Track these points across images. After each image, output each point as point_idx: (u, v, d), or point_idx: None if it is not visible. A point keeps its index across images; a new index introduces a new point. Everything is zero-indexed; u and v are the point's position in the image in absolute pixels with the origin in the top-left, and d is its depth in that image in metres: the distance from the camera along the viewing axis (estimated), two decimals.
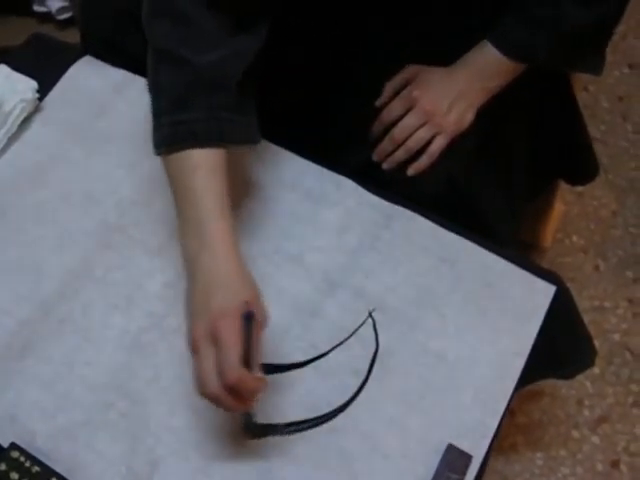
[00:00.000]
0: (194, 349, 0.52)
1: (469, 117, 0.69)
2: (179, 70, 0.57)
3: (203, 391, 0.52)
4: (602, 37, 0.70)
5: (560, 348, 0.69)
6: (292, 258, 0.66)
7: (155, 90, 0.59)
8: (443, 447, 0.57)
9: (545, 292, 0.65)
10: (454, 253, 0.66)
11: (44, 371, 0.61)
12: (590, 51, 0.70)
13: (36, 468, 0.57)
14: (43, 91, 0.78)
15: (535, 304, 0.64)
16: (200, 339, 0.52)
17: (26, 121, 0.76)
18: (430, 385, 0.60)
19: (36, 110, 0.77)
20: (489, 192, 0.71)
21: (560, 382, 1.04)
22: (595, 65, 0.71)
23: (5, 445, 0.58)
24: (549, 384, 1.05)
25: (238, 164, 0.69)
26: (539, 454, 1.00)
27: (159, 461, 0.57)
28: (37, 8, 1.37)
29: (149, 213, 0.69)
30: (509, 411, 0.62)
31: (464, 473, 0.56)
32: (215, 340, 0.51)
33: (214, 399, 0.52)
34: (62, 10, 1.36)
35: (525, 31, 0.66)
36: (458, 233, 0.67)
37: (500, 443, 1.00)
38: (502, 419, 0.59)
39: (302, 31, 0.71)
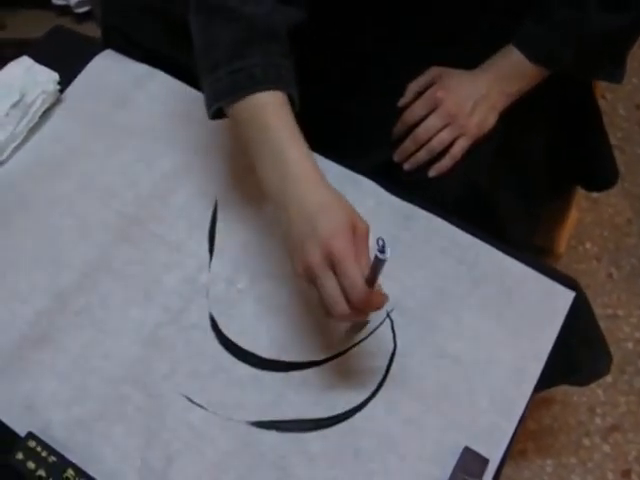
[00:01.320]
0: (311, 277, 0.53)
1: (492, 120, 0.68)
2: (233, 23, 0.58)
3: (334, 313, 0.53)
4: (625, 44, 0.69)
5: (576, 354, 0.68)
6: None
7: (208, 47, 0.60)
8: (459, 450, 0.57)
9: (564, 297, 0.64)
10: (472, 256, 0.66)
11: (61, 362, 0.61)
12: (613, 59, 0.70)
13: (52, 458, 0.57)
14: (64, 83, 0.78)
15: (553, 309, 0.64)
16: (316, 265, 0.52)
17: (47, 113, 0.76)
18: (447, 387, 0.60)
19: (57, 102, 0.77)
20: (508, 195, 0.71)
21: (572, 389, 1.04)
22: (617, 73, 0.71)
23: (22, 434, 0.58)
24: (561, 391, 1.04)
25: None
26: (549, 461, 1.00)
27: (174, 455, 0.57)
28: (56, 1, 1.38)
29: (168, 208, 0.69)
30: None
31: (480, 477, 0.55)
32: (332, 262, 0.52)
33: (344, 318, 0.54)
34: (81, 3, 1.37)
35: (549, 36, 0.66)
36: (477, 236, 0.67)
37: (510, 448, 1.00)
38: (519, 424, 0.59)
39: (323, 34, 0.71)
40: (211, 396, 0.60)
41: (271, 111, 0.57)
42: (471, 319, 0.63)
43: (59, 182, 0.72)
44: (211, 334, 0.63)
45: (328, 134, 0.71)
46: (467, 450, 0.57)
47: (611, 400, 1.05)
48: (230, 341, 0.62)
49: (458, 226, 0.67)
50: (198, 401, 0.59)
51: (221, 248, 0.67)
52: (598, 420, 1.03)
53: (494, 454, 0.57)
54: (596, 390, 1.05)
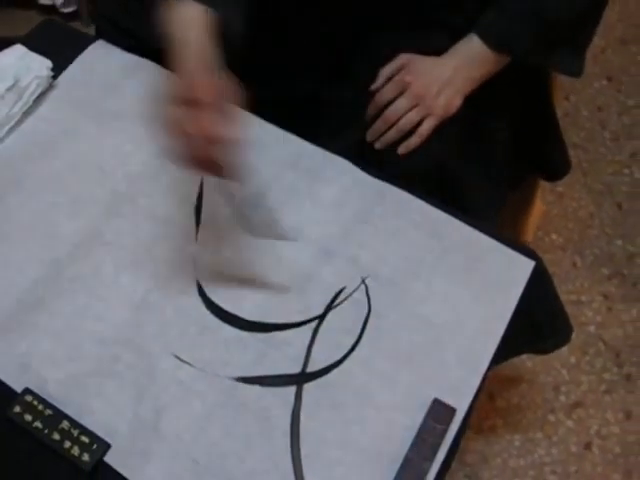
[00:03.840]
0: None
1: (456, 102, 0.74)
2: None
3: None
4: (582, 35, 0.76)
5: (538, 322, 0.74)
6: (292, 229, 0.70)
7: None
8: (429, 401, 0.62)
9: (524, 266, 0.70)
10: (441, 229, 0.71)
11: (56, 324, 0.65)
12: (570, 50, 0.76)
13: (48, 411, 0.61)
14: (57, 72, 0.82)
15: (515, 276, 0.69)
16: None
17: (40, 97, 0.80)
18: (418, 346, 0.65)
19: (50, 87, 0.81)
20: (473, 175, 0.77)
21: (538, 369, 1.10)
22: (574, 67, 0.77)
23: (19, 390, 0.61)
24: (528, 370, 1.10)
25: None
26: (517, 436, 1.06)
27: (164, 408, 0.61)
28: (42, 0, 1.42)
29: (157, 186, 0.74)
30: (488, 396, 0.66)
31: (448, 424, 0.60)
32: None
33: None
34: (66, 3, 1.41)
35: (506, 23, 0.72)
36: (445, 211, 0.72)
37: (480, 425, 1.06)
38: (484, 378, 0.64)
39: (300, 18, 0.76)
40: (198, 355, 0.64)
41: (184, 25, 0.60)
42: (440, 285, 0.68)
43: (52, 162, 0.76)
44: (198, 299, 0.67)
45: (305, 117, 0.76)
46: (436, 401, 0.62)
47: (574, 379, 1.11)
48: (216, 305, 0.66)
49: (428, 202, 0.72)
50: (186, 359, 0.64)
51: (207, 221, 0.71)
52: (562, 398, 1.09)
53: (461, 405, 0.62)
54: (560, 370, 1.11)
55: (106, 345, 0.64)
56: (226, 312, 0.66)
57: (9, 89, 0.76)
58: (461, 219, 0.72)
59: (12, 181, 0.74)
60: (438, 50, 0.75)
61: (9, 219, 0.71)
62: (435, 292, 0.68)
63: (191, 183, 0.73)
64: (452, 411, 0.61)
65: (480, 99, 0.75)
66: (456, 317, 0.67)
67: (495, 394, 1.08)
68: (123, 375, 0.63)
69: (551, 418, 1.07)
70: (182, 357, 0.64)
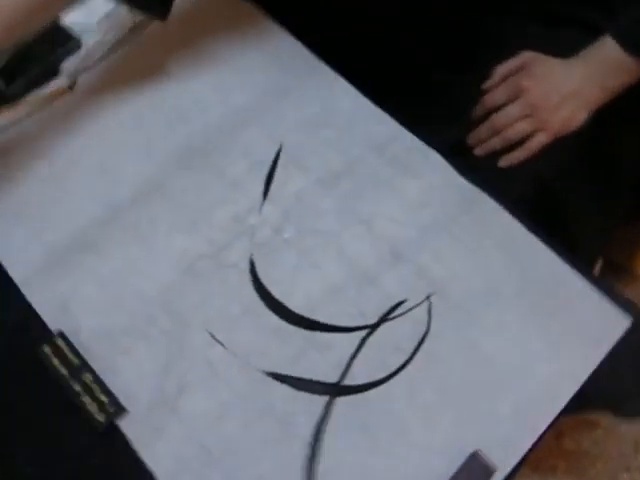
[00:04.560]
0: None
1: (580, 118, 0.63)
2: None
3: None
4: None
5: (625, 385, 0.63)
6: (362, 221, 0.63)
7: None
8: (469, 451, 0.54)
9: (618, 323, 0.59)
10: (529, 257, 0.62)
11: (102, 270, 0.63)
12: None
13: (76, 361, 0.59)
14: None
15: (605, 332, 0.59)
16: None
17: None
18: (472, 384, 0.57)
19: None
20: (583, 203, 0.65)
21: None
22: None
23: (53, 329, 0.60)
24: (607, 417, 0.98)
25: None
26: None
27: (187, 386, 0.58)
28: None
29: (233, 143, 0.68)
30: (556, 434, 0.58)
31: None
32: None
33: None
34: None
35: None
36: (539, 236, 0.62)
37: (539, 462, 0.96)
38: (538, 441, 0.55)
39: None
40: (234, 337, 0.60)
41: None
42: (514, 321, 0.59)
43: (131, 97, 0.72)
44: (247, 277, 0.62)
45: (409, 101, 0.68)
46: (476, 454, 0.54)
47: None
48: (264, 288, 0.61)
49: (521, 221, 0.62)
50: (220, 339, 0.60)
51: (275, 194, 0.65)
52: None
53: (503, 465, 0.54)
54: None
55: (146, 303, 0.61)
56: (273, 298, 0.61)
57: (108, 15, 0.73)
58: (554, 249, 0.62)
59: (88, 111, 0.71)
60: (567, 50, 0.63)
61: (79, 150, 0.69)
62: (506, 328, 0.59)
63: (267, 149, 0.68)
64: (490, 471, 0.53)
65: (608, 113, 0.63)
66: (524, 362, 0.58)
67: (565, 433, 0.97)
68: (155, 340, 0.60)
69: (624, 476, 0.95)
70: (216, 336, 0.60)
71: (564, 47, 0.64)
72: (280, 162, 0.67)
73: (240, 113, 0.69)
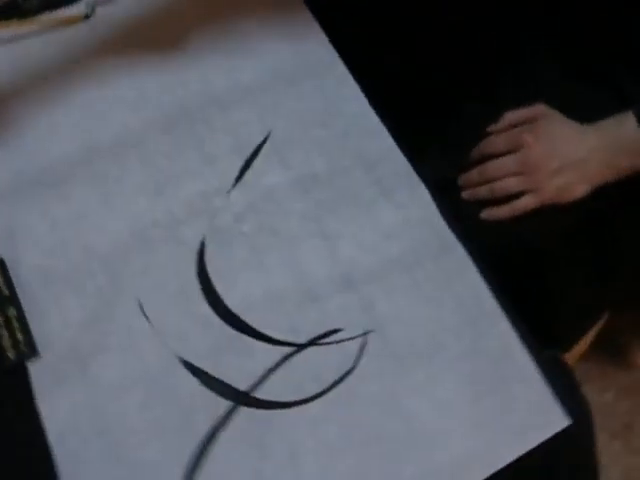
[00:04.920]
0: None
1: (578, 192, 0.57)
2: None
3: None
4: None
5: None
6: (325, 236, 0.60)
7: None
8: None
9: (556, 420, 0.54)
10: (484, 323, 0.57)
11: (56, 209, 0.62)
12: None
13: (6, 292, 0.59)
14: None
15: (538, 426, 0.54)
16: None
17: None
18: (380, 437, 0.54)
19: None
20: (566, 279, 0.60)
21: None
22: None
23: None
24: None
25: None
26: None
27: (102, 349, 0.56)
28: None
29: (225, 119, 0.65)
30: None
31: None
32: None
33: None
34: None
35: None
36: (501, 304, 0.57)
37: None
38: None
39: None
40: (161, 315, 0.58)
41: None
42: (445, 384, 0.55)
43: (141, 44, 0.69)
44: (194, 258, 0.60)
45: (418, 120, 0.63)
46: None
47: None
48: (206, 274, 0.59)
49: (488, 283, 0.58)
50: (147, 312, 0.58)
51: (248, 182, 0.63)
52: None
53: None
54: None
55: (89, 255, 0.60)
56: (211, 287, 0.59)
57: None
58: (514, 324, 0.57)
59: (96, 47, 0.69)
60: (590, 112, 0.57)
61: (73, 86, 0.67)
62: (435, 389, 0.55)
63: (254, 134, 0.64)
64: None
65: (614, 188, 0.57)
66: (441, 430, 0.54)
67: None
68: (87, 294, 0.59)
69: None
70: (145, 308, 0.58)
71: (587, 107, 0.58)
72: (263, 150, 0.64)
73: (240, 91, 0.66)
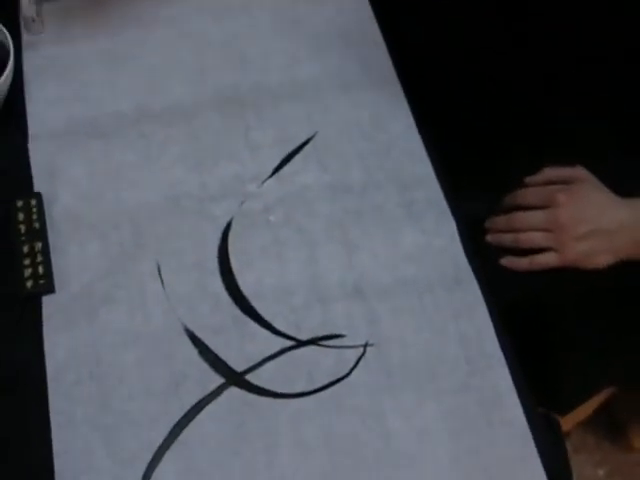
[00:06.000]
0: None
1: (601, 261, 0.58)
2: None
3: None
4: None
5: None
6: (347, 243, 0.61)
7: None
8: None
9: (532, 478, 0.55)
10: (483, 362, 0.58)
11: (99, 158, 0.64)
12: None
13: (37, 225, 0.61)
14: None
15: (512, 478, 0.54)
16: None
17: None
18: (356, 450, 0.54)
19: None
20: (573, 344, 0.61)
21: None
22: None
23: (35, 189, 0.63)
24: None
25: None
26: None
27: (113, 300, 0.58)
28: None
29: (275, 110, 0.68)
30: None
31: None
32: None
33: None
34: None
35: None
36: (504, 348, 0.58)
37: None
38: None
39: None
40: (175, 282, 0.60)
41: None
42: (431, 415, 0.56)
43: (216, 15, 0.73)
44: (218, 235, 0.62)
45: (465, 159, 0.64)
46: None
47: None
48: (226, 253, 0.61)
49: (495, 326, 0.59)
50: (163, 276, 0.60)
51: (284, 176, 0.64)
52: None
53: None
54: None
55: (120, 209, 0.62)
56: (229, 266, 0.60)
57: None
58: (514, 376, 0.57)
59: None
60: (629, 186, 0.58)
61: (146, 46, 0.70)
62: (421, 417, 0.55)
63: (302, 128, 0.66)
64: None
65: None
66: (418, 456, 0.54)
67: None
68: (110, 244, 0.61)
69: None
70: (162, 272, 0.60)
71: (628, 180, 0.59)
72: (305, 149, 0.65)
73: (296, 85, 0.68)
